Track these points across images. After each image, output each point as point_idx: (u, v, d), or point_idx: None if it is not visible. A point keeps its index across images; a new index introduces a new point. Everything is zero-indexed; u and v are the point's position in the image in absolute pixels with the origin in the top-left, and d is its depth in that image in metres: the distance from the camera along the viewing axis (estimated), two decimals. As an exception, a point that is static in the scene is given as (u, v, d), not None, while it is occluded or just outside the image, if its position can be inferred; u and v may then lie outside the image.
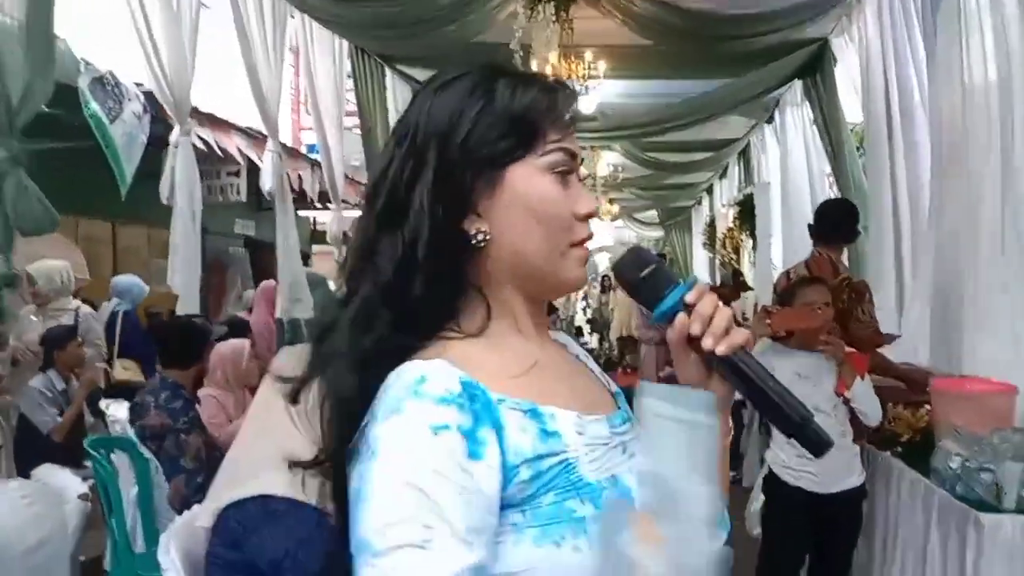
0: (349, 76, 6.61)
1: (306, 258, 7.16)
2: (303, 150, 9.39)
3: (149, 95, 4.53)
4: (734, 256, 10.58)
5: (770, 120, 8.52)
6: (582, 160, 0.93)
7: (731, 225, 10.47)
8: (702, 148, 10.14)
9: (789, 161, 7.91)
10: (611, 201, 14.97)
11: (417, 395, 0.77)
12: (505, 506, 0.77)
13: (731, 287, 8.68)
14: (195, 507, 1.92)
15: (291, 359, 0.92)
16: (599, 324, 12.27)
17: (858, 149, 6.03)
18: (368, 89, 6.60)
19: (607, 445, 0.86)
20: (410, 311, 0.84)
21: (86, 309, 5.48)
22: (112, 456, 3.53)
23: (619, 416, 0.94)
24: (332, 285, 6.80)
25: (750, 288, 8.83)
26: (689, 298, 0.89)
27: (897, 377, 3.64)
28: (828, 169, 6.62)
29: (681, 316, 0.88)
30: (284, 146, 5.81)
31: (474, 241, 0.87)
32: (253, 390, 3.28)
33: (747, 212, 9.53)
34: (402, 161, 0.88)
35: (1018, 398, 3.04)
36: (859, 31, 5.50)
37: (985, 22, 3.48)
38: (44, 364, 4.67)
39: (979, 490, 2.66)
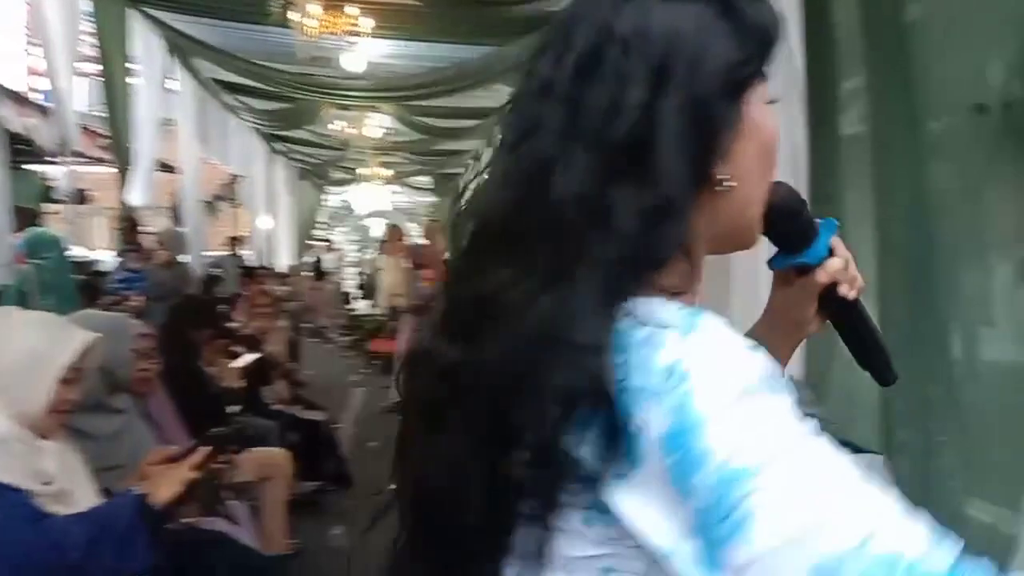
0: (88, 16, 6.00)
1: (34, 217, 6.44)
2: (38, 97, 8.43)
3: None
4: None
5: (536, 91, 8.77)
6: None
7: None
8: (471, 115, 10.26)
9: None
10: (383, 165, 14.80)
11: (706, 315, 0.66)
12: None
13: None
14: None
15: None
16: (369, 289, 12.13)
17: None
18: (108, 30, 6.01)
19: None
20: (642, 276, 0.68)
21: None
22: None
23: None
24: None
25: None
26: (832, 241, 0.84)
27: None
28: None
29: (834, 260, 0.84)
30: (5, 89, 5.15)
31: (719, 188, 0.71)
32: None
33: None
34: (631, 89, 0.68)
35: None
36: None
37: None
38: None
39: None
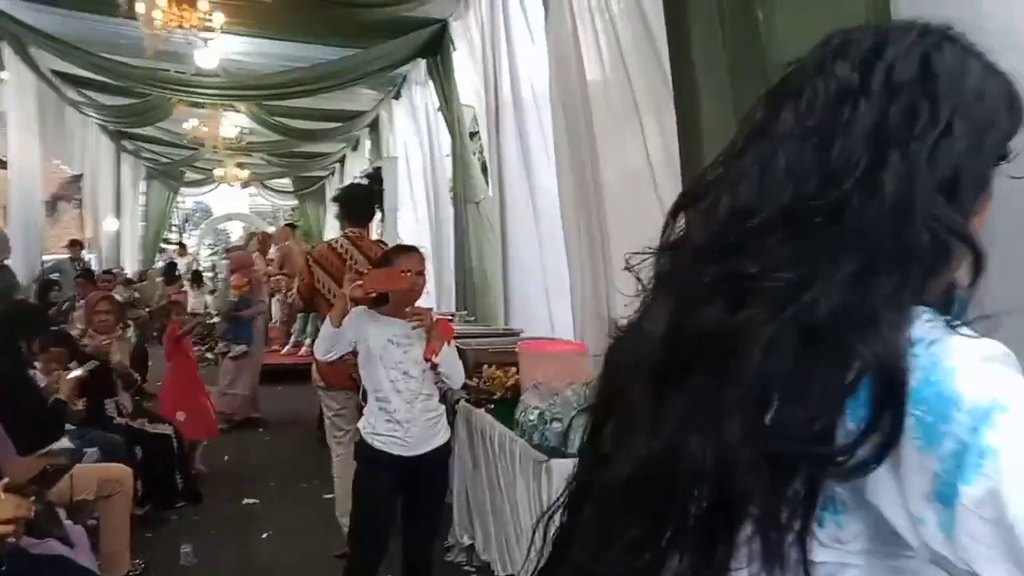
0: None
1: None
2: None
3: None
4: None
5: (397, 96, 8.72)
6: None
7: (361, 197, 10.56)
8: (332, 118, 10.10)
9: (416, 137, 8.19)
10: (240, 166, 14.31)
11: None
12: None
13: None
14: None
15: None
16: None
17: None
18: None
19: None
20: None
21: None
22: None
23: None
24: None
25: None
26: None
27: None
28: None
29: None
30: None
31: (962, 243, 0.73)
32: None
33: (377, 185, 9.68)
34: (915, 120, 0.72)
35: (588, 356, 3.45)
36: (476, 17, 5.80)
37: (597, 22, 3.79)
38: None
39: (551, 438, 2.97)
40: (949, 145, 0.72)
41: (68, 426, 3.90)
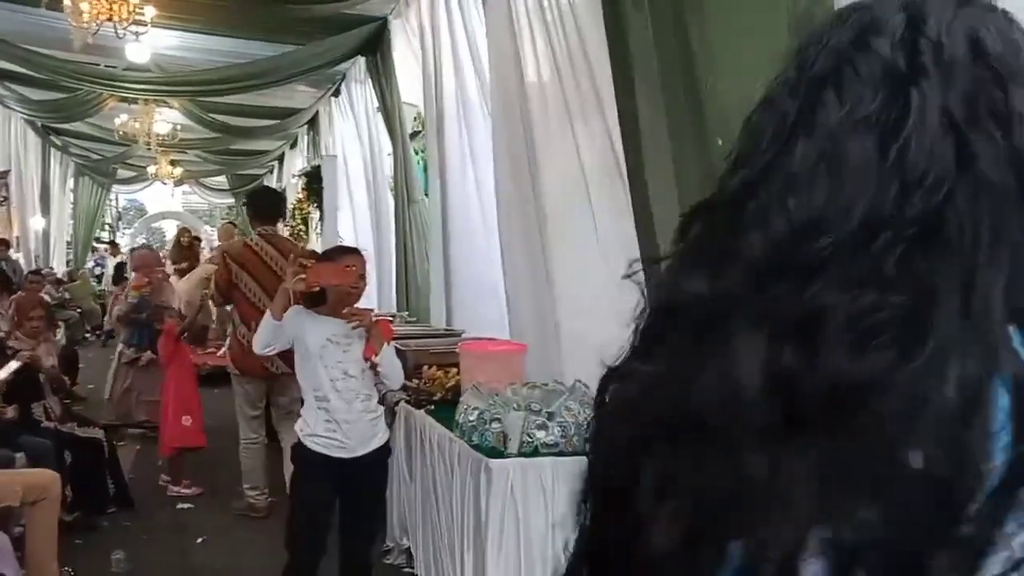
0: None
1: None
2: None
3: None
4: (303, 227, 10.58)
5: (336, 93, 8.63)
6: None
7: (300, 196, 10.44)
8: (269, 115, 9.94)
9: (356, 136, 8.11)
10: (173, 163, 14.00)
11: None
12: None
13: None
14: None
15: None
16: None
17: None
18: None
19: None
20: None
21: None
22: None
23: None
24: None
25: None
26: None
27: None
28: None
29: None
30: None
31: None
32: None
33: (316, 183, 9.57)
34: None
35: (526, 355, 3.47)
36: (416, 15, 5.77)
37: (535, 23, 3.81)
38: None
39: (490, 439, 2.97)
40: None
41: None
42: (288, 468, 4.87)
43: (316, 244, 9.80)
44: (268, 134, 10.97)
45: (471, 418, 3.10)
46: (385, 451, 3.04)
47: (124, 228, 23.23)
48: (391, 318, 5.33)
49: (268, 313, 3.03)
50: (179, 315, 5.84)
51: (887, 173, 0.60)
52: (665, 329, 0.65)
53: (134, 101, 9.65)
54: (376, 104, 6.98)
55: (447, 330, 4.90)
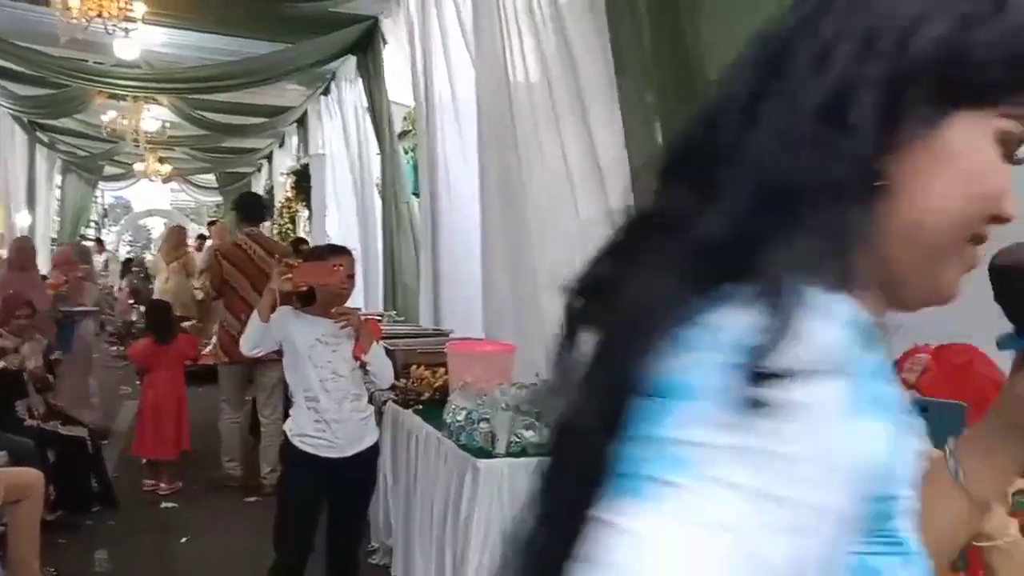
0: None
1: None
2: None
3: None
4: (291, 226, 10.55)
5: (326, 92, 8.60)
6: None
7: (288, 194, 10.41)
8: (258, 113, 9.90)
9: (345, 135, 8.08)
10: (161, 160, 13.92)
11: None
12: None
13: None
14: None
15: None
16: (143, 296, 11.31)
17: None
18: None
19: None
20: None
21: None
22: None
23: None
24: None
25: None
26: None
27: None
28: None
29: None
30: None
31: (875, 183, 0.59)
32: None
33: (304, 182, 9.55)
34: (833, 39, 0.59)
35: (514, 355, 3.46)
36: (406, 15, 5.75)
37: (523, 24, 3.80)
38: None
39: (478, 439, 2.97)
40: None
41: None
42: (266, 459, 4.97)
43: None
44: (257, 132, 10.93)
45: (459, 418, 3.09)
46: (375, 451, 3.03)
47: (110, 225, 23.07)
48: (379, 317, 5.31)
49: (255, 314, 3.01)
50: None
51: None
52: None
53: (123, 98, 9.59)
54: (366, 103, 6.96)
55: (435, 330, 4.89)
